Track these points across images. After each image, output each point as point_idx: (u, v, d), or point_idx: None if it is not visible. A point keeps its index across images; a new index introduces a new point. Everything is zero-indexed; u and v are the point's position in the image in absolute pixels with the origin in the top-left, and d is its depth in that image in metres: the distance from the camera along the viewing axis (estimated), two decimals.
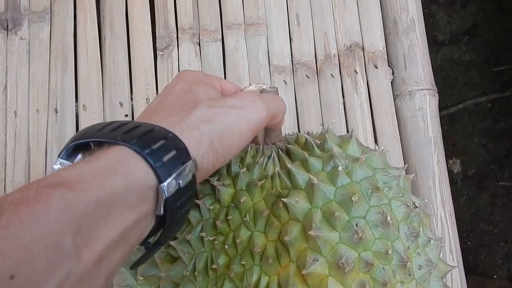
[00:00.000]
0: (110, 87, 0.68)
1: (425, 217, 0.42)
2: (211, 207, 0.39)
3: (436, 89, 0.69)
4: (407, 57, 0.69)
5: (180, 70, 0.68)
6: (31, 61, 0.68)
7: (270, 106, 0.37)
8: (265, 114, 0.36)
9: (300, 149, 0.40)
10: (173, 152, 0.29)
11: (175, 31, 0.69)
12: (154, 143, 0.29)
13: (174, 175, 0.29)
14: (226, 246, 0.38)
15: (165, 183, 0.28)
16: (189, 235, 0.39)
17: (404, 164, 0.65)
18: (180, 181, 0.29)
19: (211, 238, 0.38)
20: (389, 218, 0.35)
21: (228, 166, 0.40)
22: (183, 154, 0.30)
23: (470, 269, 1.30)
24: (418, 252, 0.38)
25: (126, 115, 0.68)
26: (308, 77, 0.69)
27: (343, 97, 0.68)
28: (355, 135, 0.41)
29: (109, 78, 0.68)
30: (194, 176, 0.31)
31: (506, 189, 1.40)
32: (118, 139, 0.29)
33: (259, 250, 0.37)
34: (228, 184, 0.39)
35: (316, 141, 0.40)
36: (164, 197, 0.29)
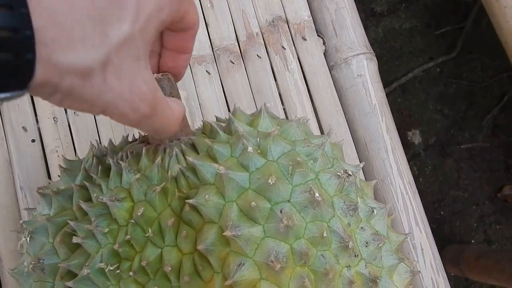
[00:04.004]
0: (8, 112, 0.59)
1: (365, 185, 0.35)
2: (107, 229, 0.31)
3: (373, 52, 0.63)
4: (336, 22, 0.62)
5: None
6: None
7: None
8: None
9: (206, 138, 0.33)
10: None
11: None
12: None
13: None
14: (131, 273, 0.30)
15: None
16: (86, 270, 0.31)
17: (352, 138, 0.59)
18: None
19: (112, 268, 0.30)
20: (317, 195, 0.28)
21: (121, 175, 0.32)
22: None
23: (447, 239, 1.25)
24: (362, 227, 0.31)
25: (33, 140, 0.59)
26: (233, 63, 0.61)
27: (275, 78, 0.61)
28: (266, 108, 0.34)
29: (6, 102, 0.59)
30: None
31: (469, 151, 1.36)
32: None
33: (170, 269, 0.29)
34: (123, 197, 0.31)
35: (222, 124, 0.33)
36: None
